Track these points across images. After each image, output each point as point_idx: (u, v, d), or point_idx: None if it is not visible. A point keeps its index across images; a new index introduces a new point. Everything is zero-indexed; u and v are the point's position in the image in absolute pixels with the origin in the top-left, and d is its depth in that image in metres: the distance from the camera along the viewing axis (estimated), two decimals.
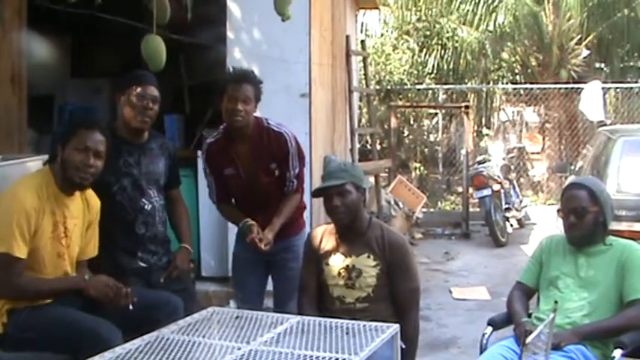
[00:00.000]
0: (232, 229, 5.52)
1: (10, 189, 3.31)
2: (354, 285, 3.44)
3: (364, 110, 12.55)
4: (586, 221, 3.38)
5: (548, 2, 13.48)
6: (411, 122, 14.76)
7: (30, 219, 3.17)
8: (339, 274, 3.47)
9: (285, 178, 3.95)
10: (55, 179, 3.33)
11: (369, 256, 3.46)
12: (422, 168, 13.97)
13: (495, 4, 13.78)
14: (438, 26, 14.44)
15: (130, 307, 3.30)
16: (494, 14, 13.86)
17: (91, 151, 3.31)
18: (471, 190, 10.46)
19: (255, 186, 3.95)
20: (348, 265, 3.47)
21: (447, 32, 14.29)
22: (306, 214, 4.34)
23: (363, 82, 9.27)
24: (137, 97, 3.72)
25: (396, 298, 3.45)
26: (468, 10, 14.03)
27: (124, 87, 3.77)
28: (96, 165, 3.33)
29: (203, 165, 4.10)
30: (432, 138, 14.80)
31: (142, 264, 3.81)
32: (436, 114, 14.25)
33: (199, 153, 6.11)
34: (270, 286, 4.20)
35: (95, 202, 3.53)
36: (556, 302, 2.91)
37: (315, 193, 3.64)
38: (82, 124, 3.38)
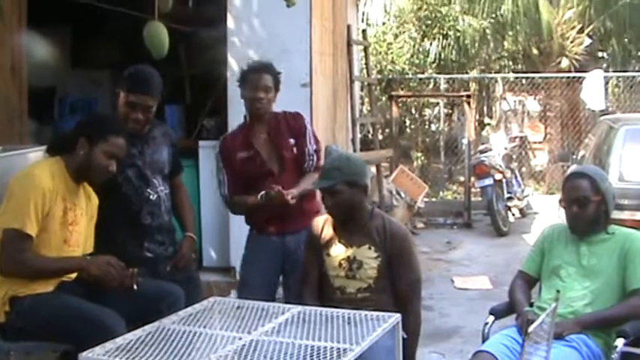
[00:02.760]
0: (234, 221, 5.55)
1: (27, 169, 3.38)
2: (354, 276, 3.42)
3: (365, 100, 12.52)
4: (588, 211, 3.36)
5: None
6: (413, 112, 14.74)
7: (45, 199, 3.21)
8: (340, 264, 3.46)
9: (304, 153, 4.02)
10: (67, 169, 3.37)
11: (369, 247, 3.44)
12: (423, 157, 13.96)
13: None
14: (439, 15, 14.40)
15: (135, 287, 3.30)
16: (495, 3, 13.79)
17: (116, 158, 3.40)
18: (472, 179, 10.46)
19: (270, 167, 3.97)
20: (349, 256, 3.46)
21: (449, 21, 14.24)
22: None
23: (365, 71, 9.25)
24: (128, 104, 3.69)
25: (398, 289, 3.43)
26: None
27: (123, 87, 3.71)
28: (114, 170, 3.42)
29: (216, 160, 4.11)
30: (433, 127, 14.78)
31: (149, 254, 3.80)
32: (438, 103, 14.23)
33: (200, 143, 6.15)
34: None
35: (94, 198, 3.55)
36: (558, 291, 2.90)
37: None
38: (111, 130, 3.40)
